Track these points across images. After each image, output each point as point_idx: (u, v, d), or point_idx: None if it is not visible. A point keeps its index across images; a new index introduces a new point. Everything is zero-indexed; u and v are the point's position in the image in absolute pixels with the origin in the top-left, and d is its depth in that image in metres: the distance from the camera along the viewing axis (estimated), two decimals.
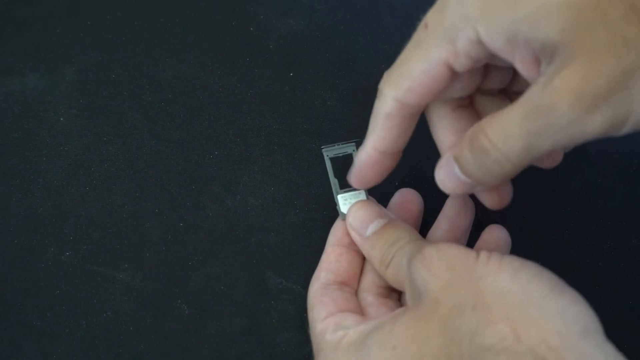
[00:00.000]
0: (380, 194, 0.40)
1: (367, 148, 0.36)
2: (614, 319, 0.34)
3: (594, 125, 0.28)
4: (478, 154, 0.31)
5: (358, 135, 0.44)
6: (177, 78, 0.45)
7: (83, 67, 0.45)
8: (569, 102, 0.28)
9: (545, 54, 0.30)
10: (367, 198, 0.39)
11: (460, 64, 0.32)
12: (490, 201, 0.36)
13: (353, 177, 0.37)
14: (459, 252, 0.32)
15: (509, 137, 0.30)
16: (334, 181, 0.40)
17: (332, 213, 0.42)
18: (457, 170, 0.32)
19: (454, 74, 0.33)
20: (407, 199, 0.40)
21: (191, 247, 0.41)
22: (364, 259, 0.38)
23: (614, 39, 0.28)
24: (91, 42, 0.46)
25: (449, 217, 0.39)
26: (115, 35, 0.47)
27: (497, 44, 0.31)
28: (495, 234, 0.38)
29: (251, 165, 0.43)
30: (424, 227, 0.40)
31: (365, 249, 0.37)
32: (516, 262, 0.30)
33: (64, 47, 0.46)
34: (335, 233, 0.39)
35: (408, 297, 0.33)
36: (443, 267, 0.31)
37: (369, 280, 0.38)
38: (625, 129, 0.29)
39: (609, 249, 0.42)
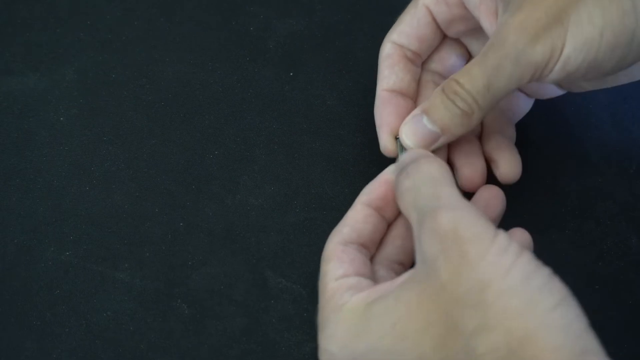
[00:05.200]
0: None
1: (377, 91, 0.41)
2: (614, 319, 0.34)
3: (536, 54, 0.34)
4: (449, 98, 0.36)
5: (358, 135, 0.44)
6: (177, 78, 0.45)
7: (83, 67, 0.45)
8: (516, 33, 0.34)
9: (502, 2, 0.36)
10: None
11: (440, 11, 0.40)
12: (502, 171, 0.40)
13: (376, 120, 0.41)
14: (475, 234, 0.30)
15: (472, 77, 0.35)
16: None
17: (332, 213, 0.42)
18: (425, 120, 0.37)
19: (436, 23, 0.40)
20: None
21: (191, 247, 0.41)
22: (387, 228, 0.38)
23: None
24: (91, 42, 0.46)
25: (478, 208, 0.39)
26: (115, 35, 0.47)
27: None
28: (518, 237, 0.37)
29: (251, 165, 0.43)
30: None
31: (397, 178, 0.35)
32: (531, 264, 0.29)
33: (64, 47, 0.46)
34: (370, 193, 0.37)
35: (417, 257, 0.32)
36: (456, 250, 0.30)
37: (385, 253, 0.37)
38: (559, 66, 0.35)
39: (609, 249, 0.42)
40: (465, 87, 0.36)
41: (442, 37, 0.42)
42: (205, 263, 0.40)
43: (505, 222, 0.39)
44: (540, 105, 0.44)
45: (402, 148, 0.39)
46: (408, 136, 0.38)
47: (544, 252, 0.41)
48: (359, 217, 0.37)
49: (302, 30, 0.47)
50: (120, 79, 0.45)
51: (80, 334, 0.38)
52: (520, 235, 0.37)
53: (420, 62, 0.42)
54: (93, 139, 0.43)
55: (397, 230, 0.38)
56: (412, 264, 0.38)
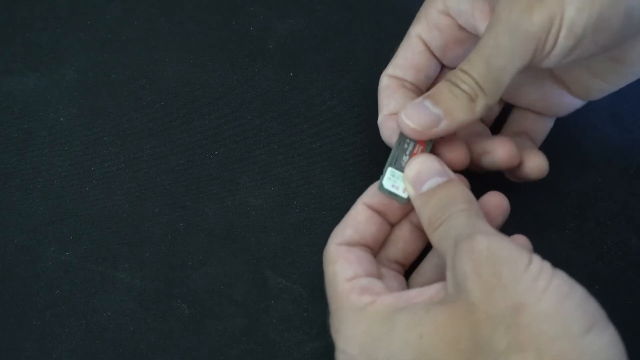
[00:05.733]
0: None
1: (379, 118, 0.40)
2: (614, 319, 0.34)
3: (533, 25, 0.33)
4: (452, 83, 0.36)
5: (358, 135, 0.44)
6: (177, 78, 0.45)
7: (83, 67, 0.45)
8: (508, 7, 0.34)
9: None
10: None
11: (432, 37, 0.40)
12: (531, 165, 0.39)
13: (386, 136, 0.40)
14: (510, 255, 0.30)
15: (472, 61, 0.35)
16: (394, 153, 0.37)
17: (332, 213, 0.42)
18: (428, 103, 0.36)
19: (430, 52, 0.40)
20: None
21: (191, 247, 0.41)
22: (390, 229, 0.38)
23: None
24: (91, 42, 0.46)
25: None
26: (115, 35, 0.47)
27: (461, 5, 0.38)
28: (518, 243, 0.36)
29: (251, 165, 0.43)
30: None
31: (417, 205, 0.35)
32: (565, 286, 0.29)
33: (64, 47, 0.46)
34: (373, 196, 0.37)
35: (449, 280, 0.32)
36: (489, 270, 0.30)
37: (385, 253, 0.37)
38: (564, 33, 0.33)
39: (609, 249, 0.42)
40: (467, 72, 0.35)
41: (440, 67, 0.41)
42: (205, 263, 0.40)
43: (505, 222, 0.39)
44: None
45: (401, 140, 0.37)
46: (408, 116, 0.36)
47: (544, 252, 0.42)
48: (360, 219, 0.37)
49: (302, 30, 0.47)
50: (120, 79, 0.45)
51: (80, 334, 0.38)
52: (520, 240, 0.37)
53: (419, 93, 0.40)
54: (93, 139, 0.43)
55: (400, 232, 0.38)
56: (410, 265, 0.39)
